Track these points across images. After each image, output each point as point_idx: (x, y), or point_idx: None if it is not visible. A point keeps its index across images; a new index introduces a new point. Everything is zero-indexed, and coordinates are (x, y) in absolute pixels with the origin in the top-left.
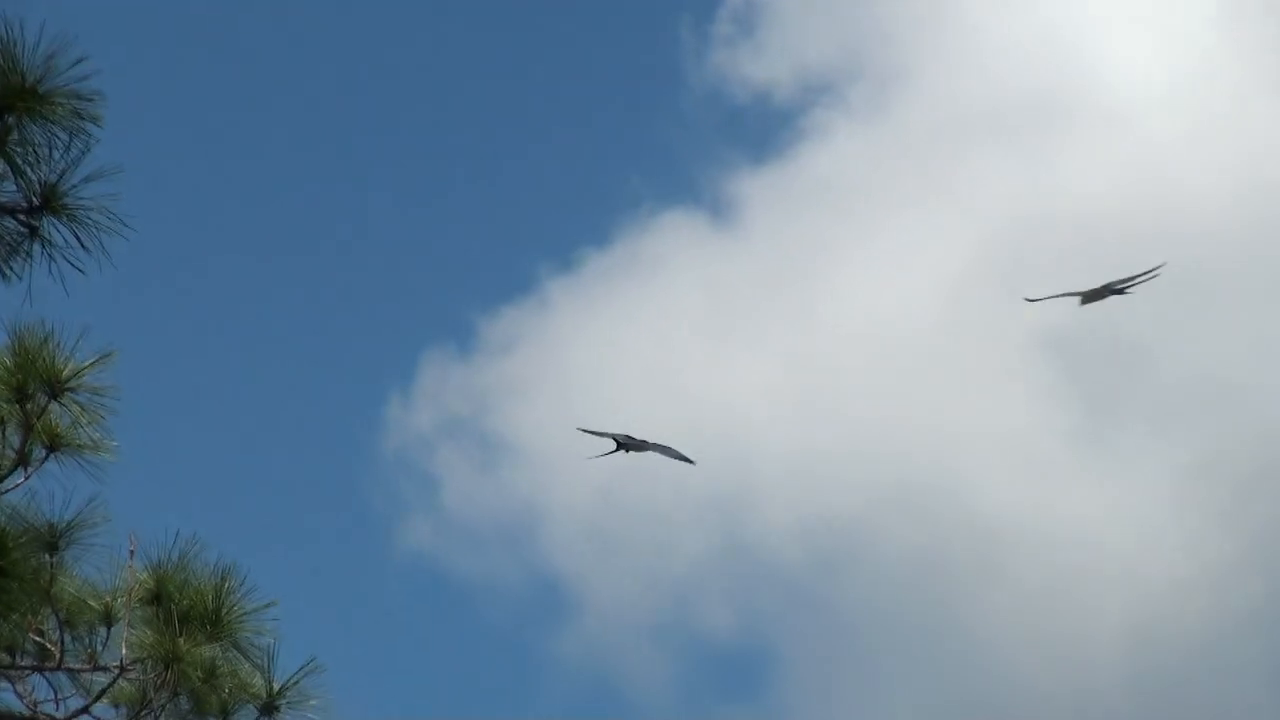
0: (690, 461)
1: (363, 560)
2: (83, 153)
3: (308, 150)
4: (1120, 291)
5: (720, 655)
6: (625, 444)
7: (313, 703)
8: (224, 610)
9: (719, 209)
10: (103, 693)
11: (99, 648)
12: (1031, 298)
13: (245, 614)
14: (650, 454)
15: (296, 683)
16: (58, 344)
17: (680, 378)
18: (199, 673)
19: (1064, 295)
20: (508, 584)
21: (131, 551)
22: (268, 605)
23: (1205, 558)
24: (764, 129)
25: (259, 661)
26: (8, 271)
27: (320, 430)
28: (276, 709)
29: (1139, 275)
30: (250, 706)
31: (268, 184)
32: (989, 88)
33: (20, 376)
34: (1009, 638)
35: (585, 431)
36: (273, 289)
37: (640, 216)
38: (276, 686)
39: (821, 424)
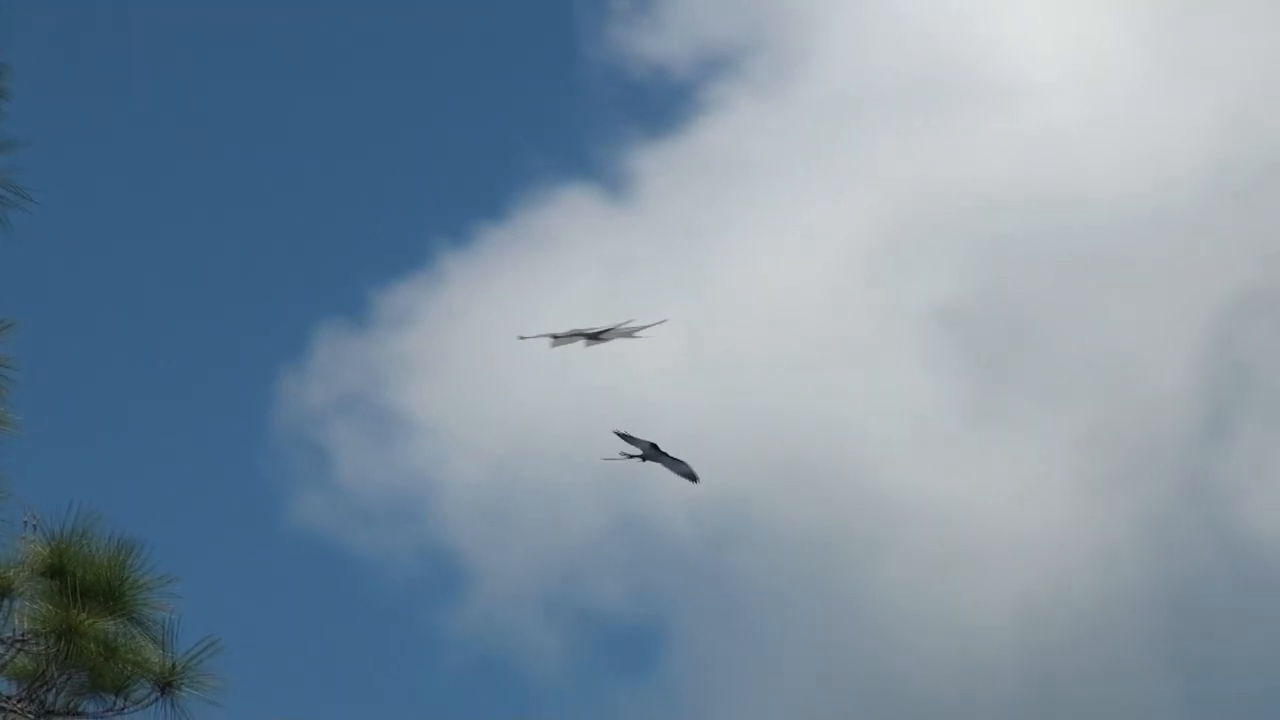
0: (695, 480)
1: (255, 535)
2: None
3: (200, 123)
4: (621, 336)
5: (613, 630)
6: (647, 454)
7: (211, 682)
8: (122, 584)
9: (616, 183)
10: None
11: None
12: (524, 336)
13: (143, 588)
14: (659, 465)
15: (195, 661)
16: None
17: (575, 352)
18: (96, 647)
19: (545, 335)
20: (400, 558)
21: (30, 524)
22: (166, 580)
23: (1095, 531)
24: (661, 103)
25: (157, 637)
26: None
27: (212, 404)
28: (174, 686)
29: (647, 324)
30: (146, 683)
31: (161, 155)
32: (889, 63)
33: None
34: (901, 611)
35: (621, 435)
36: (166, 261)
37: (536, 191)
38: (174, 663)
39: (716, 398)
